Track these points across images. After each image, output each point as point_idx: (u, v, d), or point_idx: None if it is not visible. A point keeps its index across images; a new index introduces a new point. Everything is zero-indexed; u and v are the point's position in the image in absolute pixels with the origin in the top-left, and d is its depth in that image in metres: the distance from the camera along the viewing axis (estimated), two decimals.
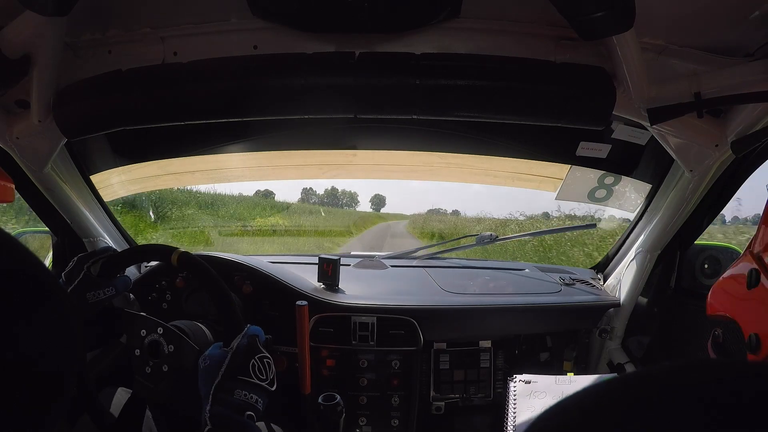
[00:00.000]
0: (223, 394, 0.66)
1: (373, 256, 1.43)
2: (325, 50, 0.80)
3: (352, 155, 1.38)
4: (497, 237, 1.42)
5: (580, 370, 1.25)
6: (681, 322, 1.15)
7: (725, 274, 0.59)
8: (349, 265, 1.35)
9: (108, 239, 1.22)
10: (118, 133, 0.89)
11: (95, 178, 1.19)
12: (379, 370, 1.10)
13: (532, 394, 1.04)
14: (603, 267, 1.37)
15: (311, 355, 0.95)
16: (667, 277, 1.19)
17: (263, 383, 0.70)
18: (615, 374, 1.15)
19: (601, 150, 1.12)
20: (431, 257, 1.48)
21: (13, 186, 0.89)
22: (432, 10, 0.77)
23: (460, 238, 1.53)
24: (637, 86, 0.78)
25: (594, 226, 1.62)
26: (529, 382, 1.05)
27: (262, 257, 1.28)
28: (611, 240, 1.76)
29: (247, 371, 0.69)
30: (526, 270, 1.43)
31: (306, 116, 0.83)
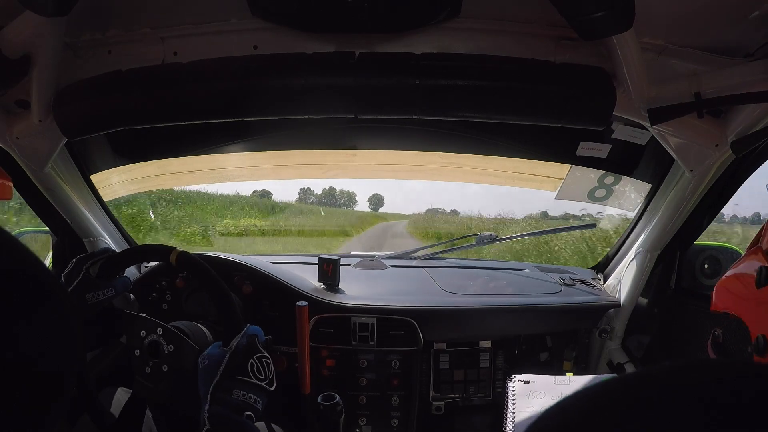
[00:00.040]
0: (221, 393, 0.66)
1: (373, 256, 1.43)
2: (325, 50, 0.80)
3: (352, 155, 1.38)
4: (497, 237, 1.42)
5: (579, 370, 1.24)
6: (681, 322, 1.15)
7: (731, 271, 0.57)
8: (349, 265, 1.35)
9: (108, 239, 1.22)
10: (118, 133, 0.89)
11: (95, 178, 1.19)
12: (378, 370, 1.10)
13: (531, 394, 1.04)
14: (603, 267, 1.37)
15: (311, 355, 0.95)
16: (667, 277, 1.19)
17: (262, 383, 0.70)
18: (614, 374, 1.15)
19: (602, 150, 1.12)
20: (431, 257, 1.48)
21: (11, 184, 0.89)
22: (432, 10, 0.77)
23: (460, 238, 1.53)
24: (637, 86, 0.78)
25: (594, 225, 1.62)
26: (528, 382, 1.05)
27: (261, 257, 1.27)
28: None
29: (246, 371, 0.69)
30: (526, 270, 1.42)
31: (306, 116, 0.83)
